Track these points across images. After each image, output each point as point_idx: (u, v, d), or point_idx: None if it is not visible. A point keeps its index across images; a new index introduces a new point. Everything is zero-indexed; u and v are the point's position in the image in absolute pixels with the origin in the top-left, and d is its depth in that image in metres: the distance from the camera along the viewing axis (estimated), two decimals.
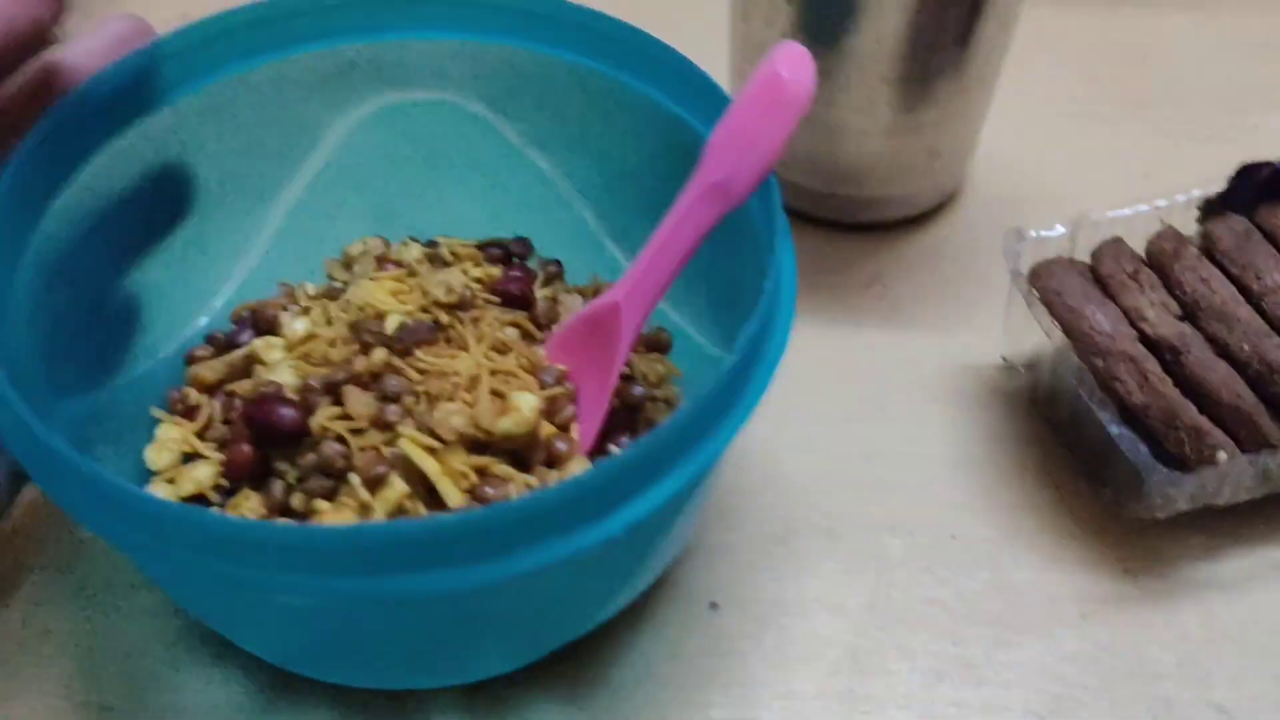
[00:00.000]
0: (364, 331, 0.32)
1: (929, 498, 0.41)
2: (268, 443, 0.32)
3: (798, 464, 0.41)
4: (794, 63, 0.29)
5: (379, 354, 0.32)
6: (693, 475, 0.26)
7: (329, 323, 0.35)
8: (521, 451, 0.32)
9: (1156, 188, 0.51)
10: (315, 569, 0.23)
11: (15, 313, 0.28)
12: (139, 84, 0.32)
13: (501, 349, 0.34)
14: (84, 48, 0.30)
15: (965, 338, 0.45)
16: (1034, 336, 0.41)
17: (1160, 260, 0.39)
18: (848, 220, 0.48)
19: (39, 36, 0.28)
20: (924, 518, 0.40)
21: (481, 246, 0.39)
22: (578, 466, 0.32)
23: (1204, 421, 0.36)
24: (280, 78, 0.35)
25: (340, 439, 0.31)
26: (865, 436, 0.42)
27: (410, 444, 0.30)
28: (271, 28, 0.34)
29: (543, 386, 0.33)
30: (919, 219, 0.50)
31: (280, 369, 0.33)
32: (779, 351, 0.28)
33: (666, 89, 0.34)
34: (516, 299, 0.36)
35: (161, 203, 0.35)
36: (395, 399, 0.31)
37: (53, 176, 0.31)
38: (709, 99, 0.32)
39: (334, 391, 0.31)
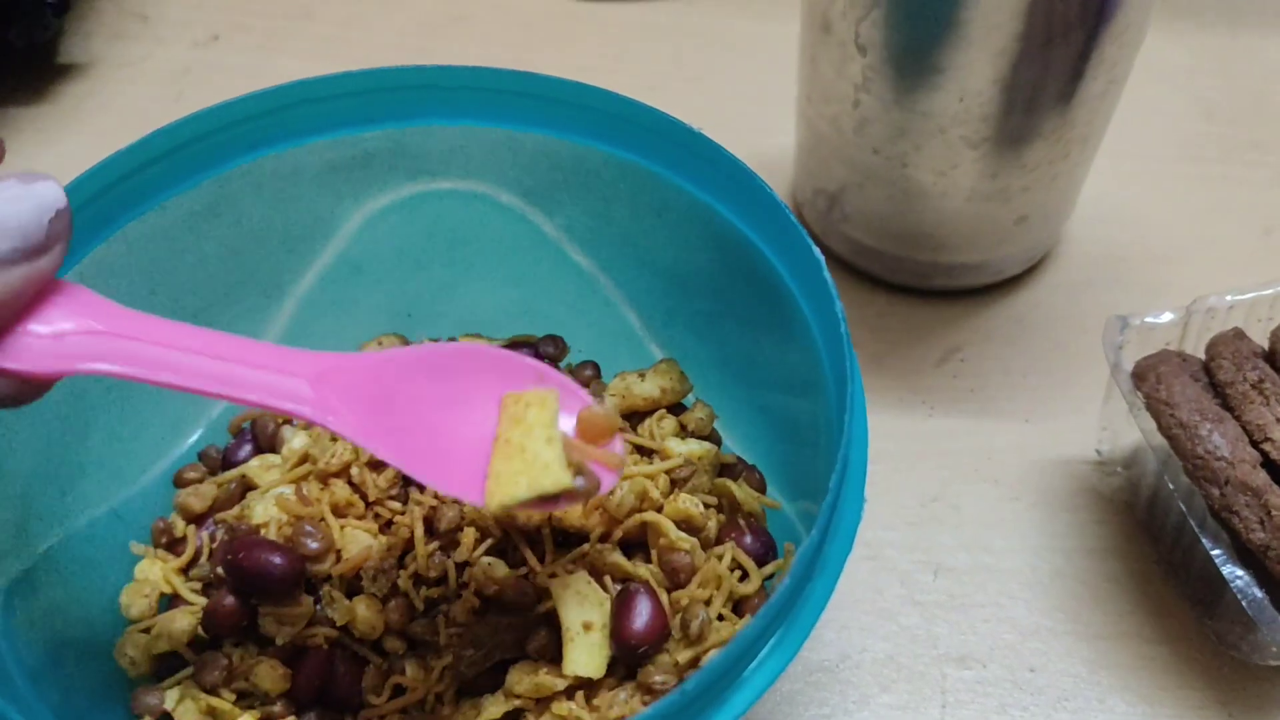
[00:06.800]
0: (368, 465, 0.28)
1: (1005, 621, 0.36)
2: (252, 593, 0.28)
3: (853, 577, 0.36)
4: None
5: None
6: (770, 677, 0.24)
7: (334, 438, 0.31)
8: None
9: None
10: None
11: None
12: (121, 188, 0.29)
13: None
14: None
15: (1054, 426, 0.40)
16: (1136, 431, 0.35)
17: None
18: (921, 286, 0.43)
19: None
20: (998, 646, 0.35)
21: (510, 346, 0.36)
22: None
23: None
24: (287, 170, 0.32)
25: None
26: (933, 544, 0.37)
27: None
28: (275, 119, 0.31)
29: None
30: (1003, 285, 0.44)
31: (268, 501, 0.29)
32: (852, 530, 0.26)
33: (718, 191, 0.31)
34: None
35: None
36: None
37: None
38: (765, 207, 0.29)
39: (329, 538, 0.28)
